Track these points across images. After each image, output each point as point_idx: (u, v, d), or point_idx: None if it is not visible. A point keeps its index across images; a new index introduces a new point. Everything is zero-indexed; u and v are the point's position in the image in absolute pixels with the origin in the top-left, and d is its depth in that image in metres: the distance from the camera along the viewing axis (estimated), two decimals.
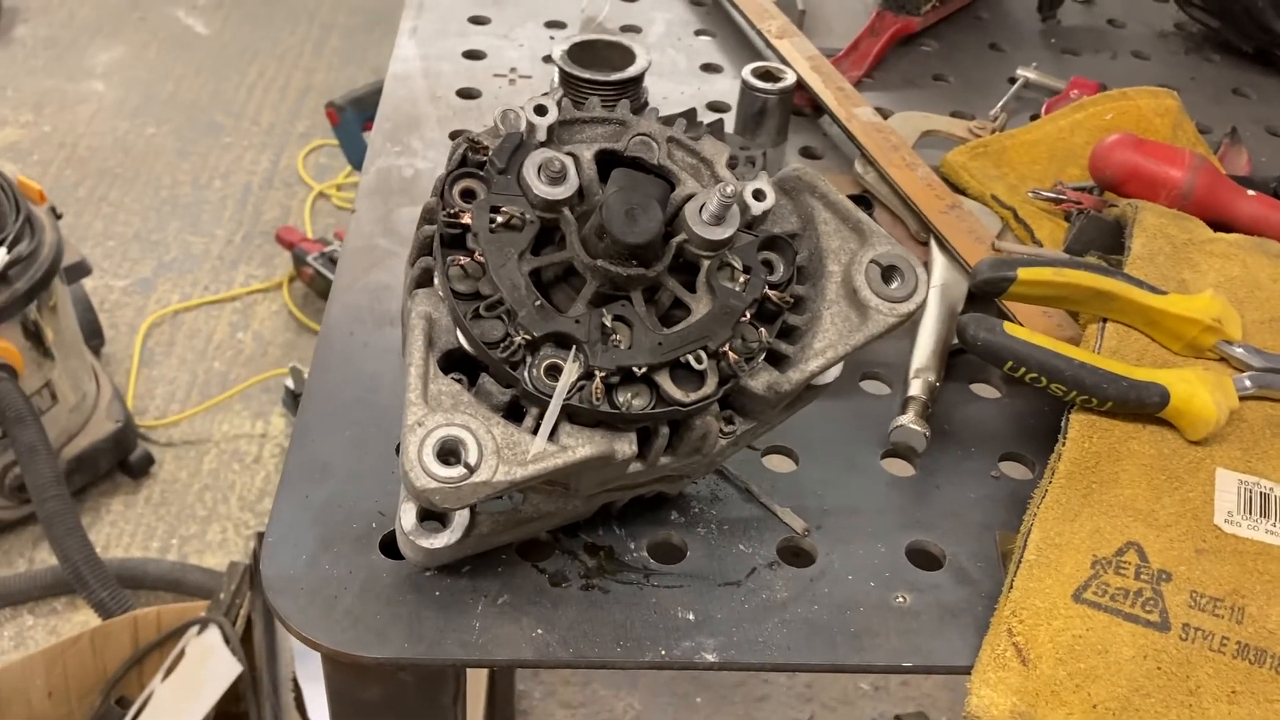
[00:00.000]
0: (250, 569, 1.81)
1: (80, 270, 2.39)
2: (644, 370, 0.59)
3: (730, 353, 0.61)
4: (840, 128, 1.08)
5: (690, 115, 1.09)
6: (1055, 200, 0.97)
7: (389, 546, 0.70)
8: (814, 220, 0.67)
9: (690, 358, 0.60)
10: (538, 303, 0.60)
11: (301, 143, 3.21)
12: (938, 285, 0.91)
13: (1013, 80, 1.23)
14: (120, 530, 2.27)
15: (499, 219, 0.60)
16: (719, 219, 0.61)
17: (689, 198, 0.63)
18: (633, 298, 0.61)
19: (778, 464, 0.80)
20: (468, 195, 0.62)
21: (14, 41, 3.55)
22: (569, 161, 0.61)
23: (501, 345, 0.59)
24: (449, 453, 0.57)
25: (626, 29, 1.28)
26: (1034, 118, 1.17)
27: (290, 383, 2.44)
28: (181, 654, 1.78)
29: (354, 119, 2.10)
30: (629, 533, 0.73)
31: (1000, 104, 1.18)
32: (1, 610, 2.12)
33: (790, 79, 1.09)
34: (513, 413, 0.60)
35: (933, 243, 0.96)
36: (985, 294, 0.81)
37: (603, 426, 0.60)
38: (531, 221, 0.61)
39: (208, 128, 3.25)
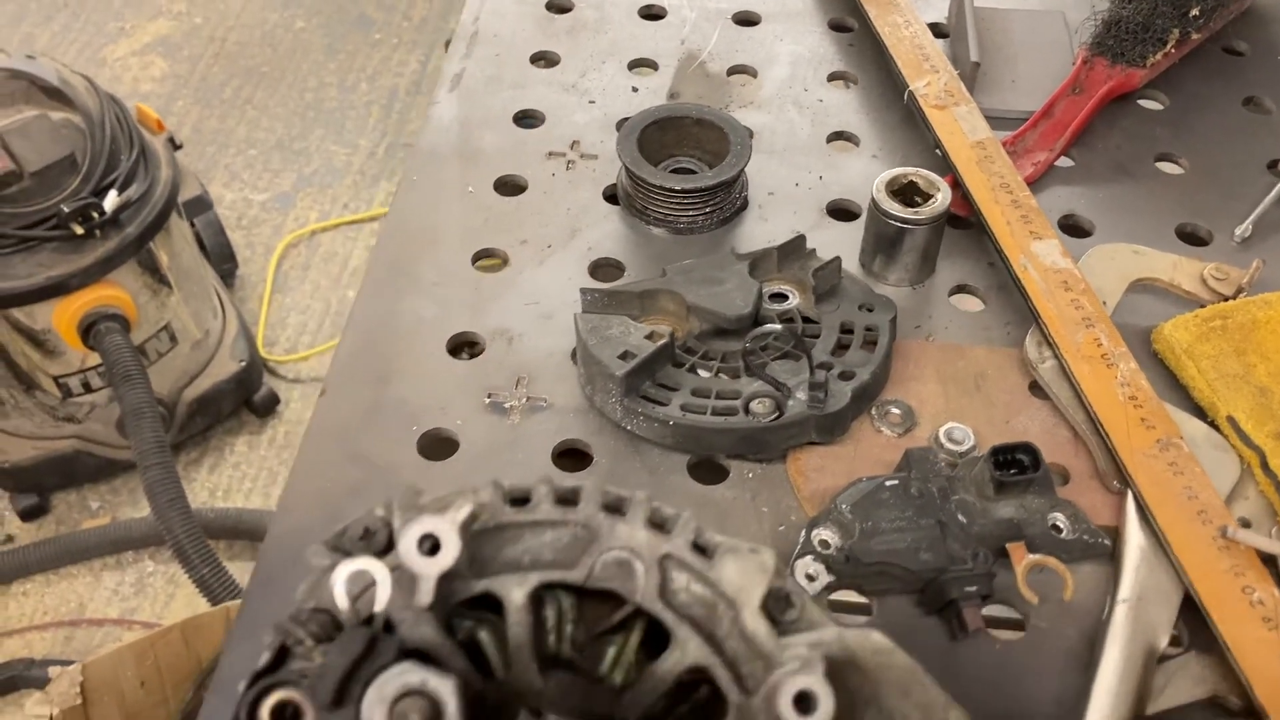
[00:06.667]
0: None
1: (200, 205, 2.26)
2: None
3: None
4: (1010, 276, 0.76)
5: (796, 247, 0.80)
6: None
7: None
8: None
9: None
10: None
11: None
12: (1127, 599, 0.61)
13: (1275, 169, 0.87)
14: (243, 474, 2.22)
15: None
16: None
17: (689, 686, 0.38)
18: None
19: None
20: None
21: None
22: (445, 689, 0.36)
23: None
24: None
25: (737, 71, 0.96)
26: None
27: None
28: None
29: None
30: None
31: (1250, 220, 0.83)
32: (124, 554, 2.12)
33: (940, 201, 0.77)
34: None
35: (1129, 503, 0.66)
36: None
37: None
38: None
39: (358, 22, 3.04)
